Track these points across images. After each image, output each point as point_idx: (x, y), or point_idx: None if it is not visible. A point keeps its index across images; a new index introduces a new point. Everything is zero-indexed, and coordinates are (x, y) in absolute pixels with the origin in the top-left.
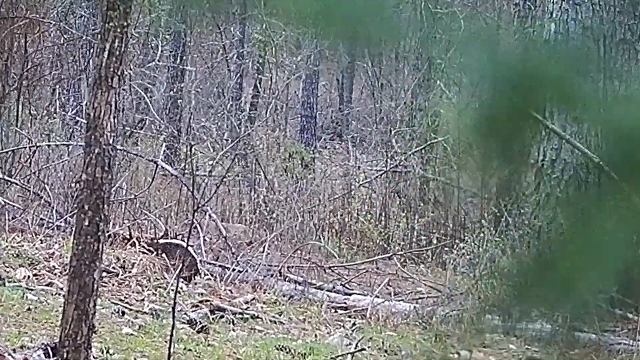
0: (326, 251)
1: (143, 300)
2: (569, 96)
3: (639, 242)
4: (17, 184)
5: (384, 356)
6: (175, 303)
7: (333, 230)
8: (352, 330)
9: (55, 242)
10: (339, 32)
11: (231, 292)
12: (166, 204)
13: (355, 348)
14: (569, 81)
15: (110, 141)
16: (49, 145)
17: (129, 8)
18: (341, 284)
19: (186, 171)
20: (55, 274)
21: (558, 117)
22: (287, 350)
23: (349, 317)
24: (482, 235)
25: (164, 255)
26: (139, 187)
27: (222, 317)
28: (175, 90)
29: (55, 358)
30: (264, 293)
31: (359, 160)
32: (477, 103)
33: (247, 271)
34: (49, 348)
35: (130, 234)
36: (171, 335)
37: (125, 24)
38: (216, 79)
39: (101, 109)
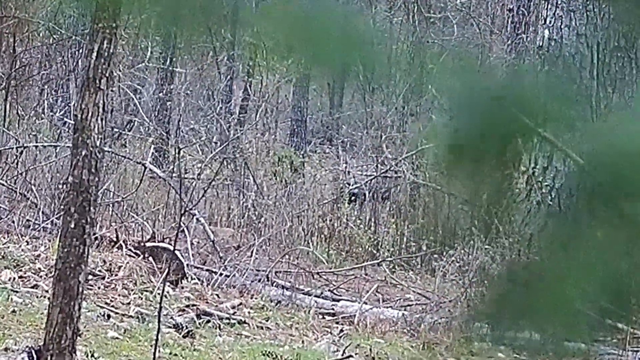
0: (314, 257)
1: (129, 303)
2: (559, 114)
3: (630, 251)
4: (3, 184)
5: None
6: (161, 307)
7: (322, 236)
8: (340, 337)
9: (41, 244)
10: (325, 63)
11: (218, 297)
12: (154, 207)
13: (342, 355)
14: (557, 101)
15: (98, 143)
16: (36, 146)
17: (119, 9)
18: (329, 290)
19: (174, 174)
20: (41, 276)
21: (550, 125)
22: (274, 356)
23: (337, 323)
24: (472, 242)
25: (150, 258)
26: (126, 190)
27: (208, 322)
28: (164, 92)
29: None
30: (252, 298)
31: (349, 164)
32: (468, 110)
33: (234, 276)
34: (33, 351)
35: (117, 237)
36: (156, 340)
37: (114, 25)
38: (206, 81)
39: (89, 110)
